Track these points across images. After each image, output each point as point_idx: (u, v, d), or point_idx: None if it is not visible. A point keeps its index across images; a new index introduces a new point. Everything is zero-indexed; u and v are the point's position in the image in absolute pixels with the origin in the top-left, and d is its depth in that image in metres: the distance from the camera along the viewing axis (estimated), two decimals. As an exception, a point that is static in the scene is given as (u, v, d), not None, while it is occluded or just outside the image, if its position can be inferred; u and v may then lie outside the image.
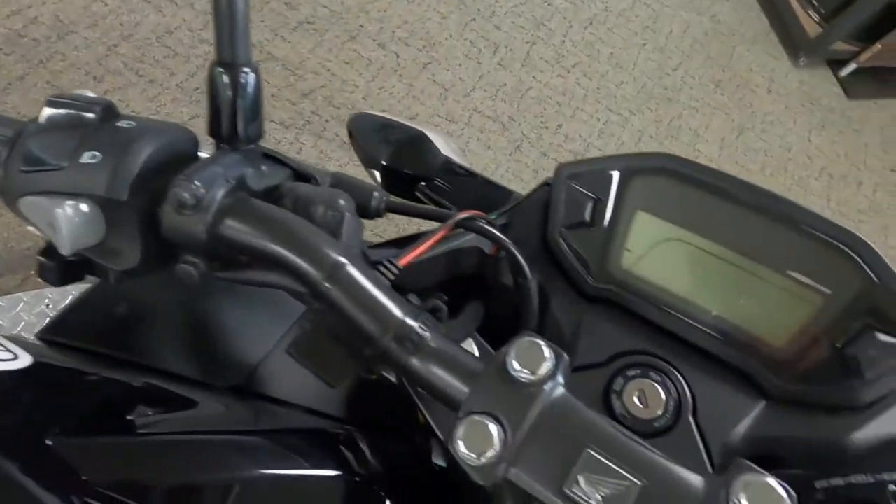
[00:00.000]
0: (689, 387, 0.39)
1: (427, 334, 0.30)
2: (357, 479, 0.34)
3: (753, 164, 2.16)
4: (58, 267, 0.33)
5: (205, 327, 0.43)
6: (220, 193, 0.30)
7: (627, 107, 2.09)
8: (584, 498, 0.25)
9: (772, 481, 0.24)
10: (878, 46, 2.32)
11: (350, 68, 1.78)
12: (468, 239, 0.45)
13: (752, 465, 0.25)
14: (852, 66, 2.43)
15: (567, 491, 0.26)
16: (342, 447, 0.37)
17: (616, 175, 0.42)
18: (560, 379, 0.28)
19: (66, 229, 0.29)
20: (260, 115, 0.33)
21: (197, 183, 0.29)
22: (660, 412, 0.38)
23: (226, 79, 0.31)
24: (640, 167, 0.41)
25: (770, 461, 0.37)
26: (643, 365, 0.39)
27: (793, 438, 0.37)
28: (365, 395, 0.43)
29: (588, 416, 0.27)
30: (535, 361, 0.28)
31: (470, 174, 0.66)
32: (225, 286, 0.44)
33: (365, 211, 0.40)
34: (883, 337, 0.35)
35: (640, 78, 2.16)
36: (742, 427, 0.37)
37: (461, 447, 0.27)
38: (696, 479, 0.26)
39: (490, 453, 0.26)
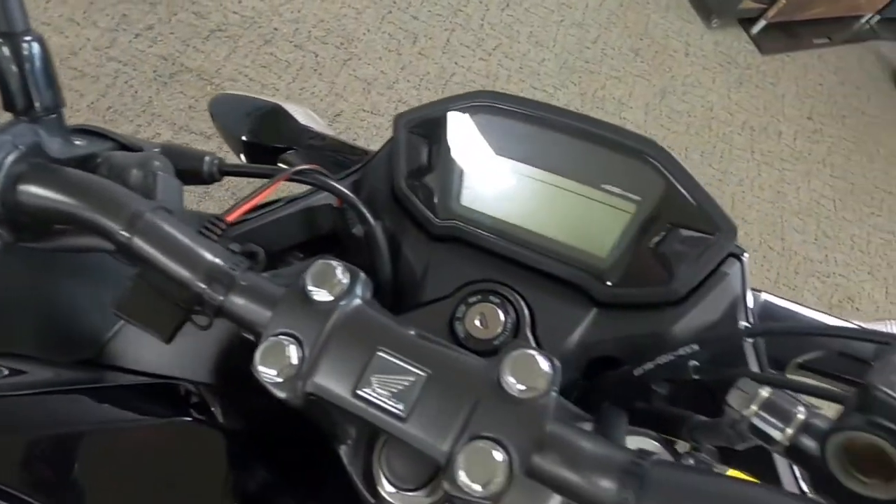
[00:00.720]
0: (527, 305, 0.41)
1: (236, 273, 0.31)
2: (202, 428, 0.35)
3: (678, 126, 2.24)
4: None
5: (48, 307, 0.43)
6: (8, 160, 0.31)
7: (551, 83, 2.13)
8: (376, 396, 0.27)
9: (535, 353, 0.26)
10: (782, 2, 2.43)
11: (268, 72, 1.77)
12: (320, 198, 0.46)
13: (524, 343, 0.27)
14: (762, 23, 2.54)
15: (360, 392, 0.27)
16: (184, 400, 0.38)
17: (447, 117, 0.44)
18: (358, 293, 0.30)
19: None
20: (55, 84, 0.34)
21: None
22: (499, 331, 0.40)
23: (6, 50, 0.32)
24: (464, 107, 0.43)
25: (605, 362, 0.40)
26: (484, 291, 0.41)
27: (623, 339, 0.40)
28: (230, 359, 0.44)
29: (379, 323, 0.29)
30: (328, 281, 0.29)
31: (329, 140, 0.68)
32: (72, 264, 0.44)
33: (199, 176, 0.41)
34: (685, 232, 0.38)
35: (561, 54, 2.21)
36: (576, 335, 0.40)
37: (260, 368, 0.28)
38: (476, 363, 0.28)
39: (287, 369, 0.28)
